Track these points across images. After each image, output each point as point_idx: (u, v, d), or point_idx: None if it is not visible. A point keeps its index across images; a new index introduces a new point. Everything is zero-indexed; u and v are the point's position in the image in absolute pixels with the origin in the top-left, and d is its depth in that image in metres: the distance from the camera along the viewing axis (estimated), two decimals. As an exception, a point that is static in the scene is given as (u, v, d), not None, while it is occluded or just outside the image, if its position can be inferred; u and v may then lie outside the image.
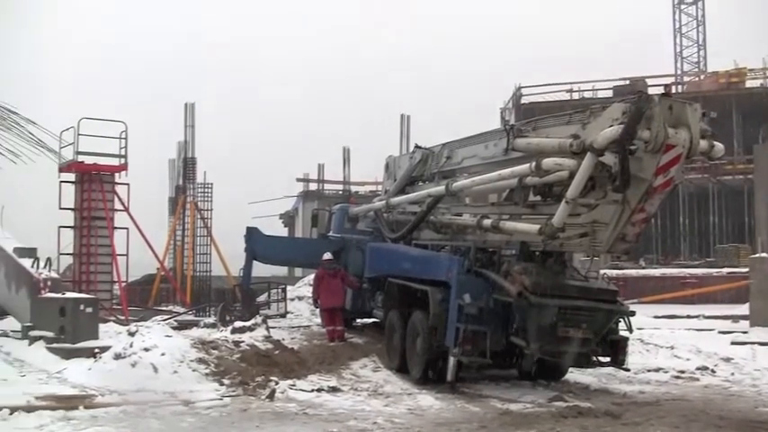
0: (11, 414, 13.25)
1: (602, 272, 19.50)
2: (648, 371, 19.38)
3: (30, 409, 13.59)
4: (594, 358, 16.18)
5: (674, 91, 49.39)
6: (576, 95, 52.02)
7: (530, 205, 15.83)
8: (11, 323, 22.25)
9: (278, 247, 28.52)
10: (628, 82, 50.36)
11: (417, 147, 21.28)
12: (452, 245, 18.72)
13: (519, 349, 16.33)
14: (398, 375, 17.98)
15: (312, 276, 25.98)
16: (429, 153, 20.41)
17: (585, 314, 15.54)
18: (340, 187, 54.68)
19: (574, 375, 18.36)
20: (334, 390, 16.33)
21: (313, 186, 57.18)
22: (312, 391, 16.08)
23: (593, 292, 16.00)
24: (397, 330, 18.67)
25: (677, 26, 65.73)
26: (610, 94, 48.78)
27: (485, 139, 17.54)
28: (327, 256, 22.91)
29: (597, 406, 15.07)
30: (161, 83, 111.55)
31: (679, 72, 63.63)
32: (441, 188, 18.37)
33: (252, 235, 26.63)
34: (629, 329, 16.50)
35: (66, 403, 14.08)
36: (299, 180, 57.67)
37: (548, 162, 14.11)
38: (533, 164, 14.32)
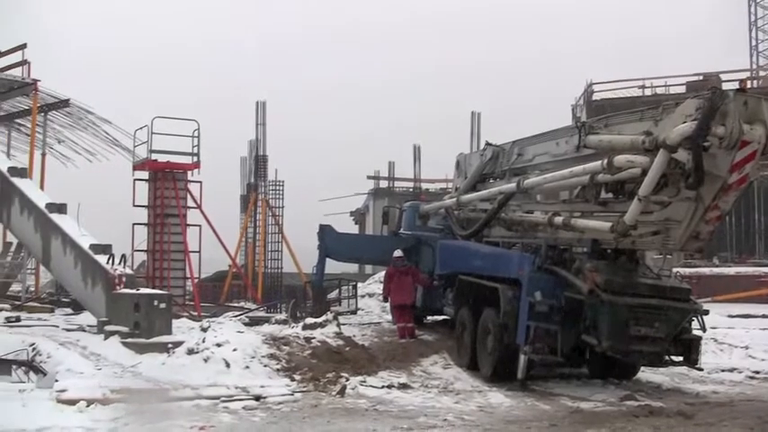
0: (88, 406, 13.49)
1: (674, 270, 19.27)
2: (722, 371, 19.12)
3: (106, 402, 13.81)
4: (667, 357, 15.97)
5: (749, 86, 48.51)
6: (648, 91, 51.29)
7: (601, 202, 15.73)
8: (87, 318, 22.63)
9: (350, 245, 28.64)
10: (701, 77, 49.54)
11: (488, 144, 21.22)
12: (523, 242, 18.65)
13: (590, 347, 16.21)
14: (469, 373, 17.95)
15: (383, 273, 26.01)
16: (500, 150, 20.36)
17: (658, 313, 15.37)
18: (410, 185, 54.60)
19: (645, 374, 18.17)
20: (404, 386, 16.36)
21: (383, 184, 57.21)
22: (382, 387, 16.13)
23: (666, 290, 15.82)
24: (468, 328, 18.65)
25: (752, 19, 64.53)
26: (682, 89, 48.02)
27: (556, 136, 17.45)
28: (398, 253, 22.94)
29: (669, 406, 14.89)
30: (233, 81, 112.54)
31: (754, 66, 62.48)
32: (512, 185, 18.31)
33: (325, 232, 26.76)
34: (703, 328, 16.30)
35: (141, 397, 14.27)
36: (369, 177, 57.80)
37: (620, 159, 14.00)
38: (605, 161, 14.22)
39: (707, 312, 16.34)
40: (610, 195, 15.51)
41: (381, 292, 25.20)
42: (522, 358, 16.00)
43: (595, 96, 52.27)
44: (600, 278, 15.30)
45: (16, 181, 24.31)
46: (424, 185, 53.60)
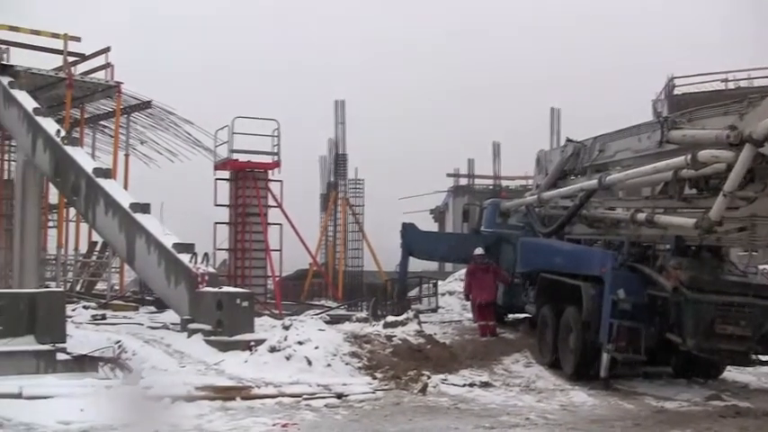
0: (172, 403, 13.67)
1: (761, 267, 18.93)
2: (811, 370, 18.72)
3: (190, 398, 13.98)
4: (754, 356, 15.71)
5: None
6: (731, 85, 50.41)
7: (685, 199, 15.48)
8: (171, 316, 22.93)
9: (432, 243, 28.69)
10: (787, 69, 48.50)
11: (569, 140, 21.03)
12: (605, 239, 18.46)
13: (674, 346, 15.98)
14: (551, 371, 17.83)
15: (463, 271, 25.96)
16: (581, 146, 20.17)
17: (744, 311, 15.09)
18: (490, 182, 54.45)
19: (731, 374, 17.86)
20: (486, 385, 16.29)
21: (463, 181, 57.10)
22: (464, 385, 16.08)
23: (753, 287, 15.54)
24: (550, 326, 18.53)
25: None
26: (767, 82, 47.10)
27: (638, 131, 17.22)
28: (479, 250, 22.88)
29: (757, 406, 14.64)
30: (312, 80, 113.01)
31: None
32: (593, 182, 18.12)
33: (407, 231, 26.83)
34: (791, 327, 15.97)
35: (224, 394, 14.41)
36: (449, 175, 57.70)
37: (704, 154, 13.76)
38: (689, 156, 13.99)
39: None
40: (694, 191, 15.26)
41: (462, 289, 25.17)
42: (605, 357, 15.87)
43: (677, 91, 51.49)
44: (684, 276, 15.09)
45: (101, 182, 24.70)
46: (504, 183, 53.38)
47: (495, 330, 22.14)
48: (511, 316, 25.14)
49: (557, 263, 19.34)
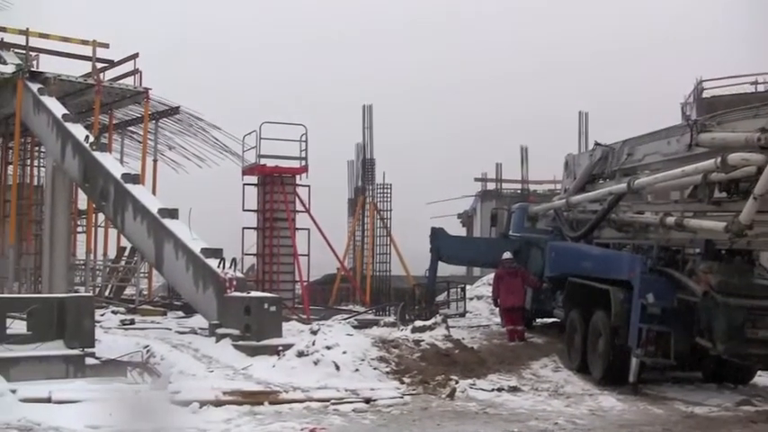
0: (200, 408, 13.72)
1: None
2: None
3: (218, 403, 14.02)
4: (786, 361, 15.60)
5: None
6: (761, 87, 50.07)
7: (715, 202, 15.35)
8: (199, 321, 22.99)
9: (462, 247, 28.66)
10: (818, 72, 48.12)
11: (597, 144, 20.95)
12: (634, 243, 18.40)
13: (704, 351, 15.86)
14: (579, 376, 17.76)
15: (491, 276, 25.91)
16: (609, 150, 20.08)
17: (776, 315, 14.97)
18: (518, 186, 54.24)
19: (762, 379, 17.73)
20: (514, 389, 16.27)
21: (491, 186, 56.96)
22: (492, 390, 16.07)
23: (784, 291, 15.40)
24: (578, 330, 18.46)
25: None
26: (798, 85, 46.74)
27: (667, 134, 17.14)
28: (507, 255, 22.83)
29: (789, 411, 14.53)
30: (339, 85, 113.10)
31: None
32: (622, 186, 18.04)
33: (437, 235, 26.81)
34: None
35: (252, 398, 14.45)
36: (476, 180, 57.56)
37: (734, 157, 13.67)
38: (719, 159, 13.89)
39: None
40: (723, 194, 15.14)
41: (491, 294, 25.13)
42: (634, 361, 15.81)
43: (706, 93, 51.18)
44: (714, 279, 14.98)
45: (129, 187, 24.82)
46: (532, 187, 53.20)
47: (524, 335, 22.08)
48: (539, 320, 25.05)
49: (585, 267, 19.28)
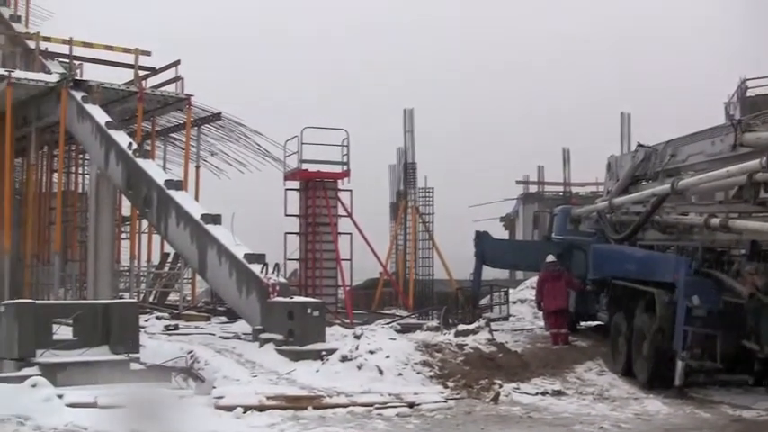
0: (244, 412, 13.80)
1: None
2: None
3: (262, 408, 14.09)
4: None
5: None
6: (806, 85, 49.44)
7: (761, 202, 15.22)
8: (242, 326, 23.07)
9: (506, 251, 28.65)
10: None
11: (640, 145, 20.83)
12: (678, 245, 18.23)
13: (751, 353, 15.69)
14: (624, 379, 17.66)
15: (535, 279, 25.81)
16: (652, 151, 19.96)
17: (825, 317, 14.78)
18: (560, 188, 54.00)
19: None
20: (558, 393, 16.21)
21: (533, 188, 56.74)
22: (536, 394, 16.01)
23: (832, 292, 15.20)
24: (623, 333, 18.35)
25: None
26: None
27: (711, 135, 17.00)
28: (550, 258, 22.74)
29: (839, 414, 14.33)
30: (380, 89, 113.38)
31: None
32: (665, 187, 17.90)
33: (481, 239, 26.76)
34: None
35: (296, 403, 14.50)
36: (518, 182, 57.34)
37: (780, 157, 13.53)
38: (764, 159, 13.75)
39: None
40: (769, 195, 15.01)
41: (534, 297, 25.04)
42: (680, 364, 15.67)
43: (749, 93, 50.64)
44: (760, 281, 14.83)
45: (172, 193, 24.96)
46: (574, 189, 52.93)
47: (568, 338, 21.97)
48: (583, 323, 24.92)
49: (629, 269, 19.16)
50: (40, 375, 14.36)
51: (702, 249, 16.57)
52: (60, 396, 13.48)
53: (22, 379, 14.14)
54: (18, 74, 30.05)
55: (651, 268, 17.99)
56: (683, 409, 14.94)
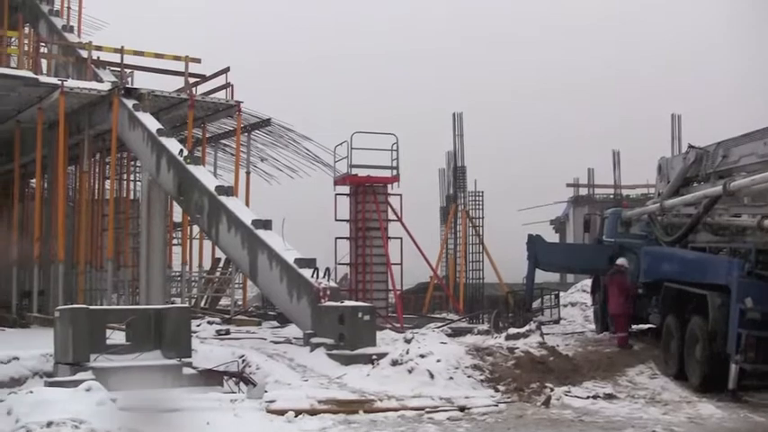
0: (296, 416, 13.86)
1: None
2: None
3: (313, 412, 14.14)
4: None
5: None
6: None
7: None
8: (293, 330, 23.18)
9: (559, 254, 28.57)
10: None
11: (691, 147, 20.69)
12: (731, 247, 18.04)
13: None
14: (676, 382, 17.50)
15: (586, 282, 25.71)
16: (703, 153, 19.81)
17: None
18: (610, 191, 53.63)
19: None
20: (610, 397, 16.12)
21: (583, 191, 56.40)
22: (588, 397, 15.94)
23: None
24: (675, 336, 18.20)
25: None
26: None
27: (762, 135, 16.86)
28: (621, 261, 22.60)
29: None
30: (428, 94, 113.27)
31: None
32: (717, 188, 17.74)
33: (534, 243, 26.71)
34: None
35: (347, 407, 14.52)
36: (568, 185, 57.02)
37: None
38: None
39: None
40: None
41: (591, 301, 24.96)
42: (734, 368, 15.51)
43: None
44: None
45: (223, 200, 25.14)
46: (625, 191, 52.56)
47: (626, 342, 21.77)
48: (634, 326, 24.74)
49: (681, 272, 19.02)
50: (94, 380, 14.54)
51: (756, 251, 16.37)
52: (114, 400, 13.61)
53: (76, 383, 14.31)
54: (71, 83, 30.46)
55: (703, 270, 17.83)
56: (737, 413, 14.78)
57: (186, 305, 26.77)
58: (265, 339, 23.36)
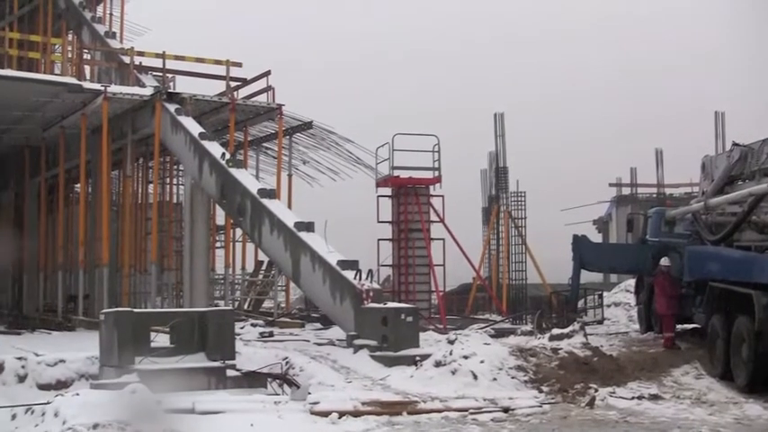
0: (340, 418, 13.89)
1: None
2: None
3: (357, 413, 14.16)
4: None
5: None
6: None
7: None
8: (336, 332, 23.23)
9: (604, 254, 28.46)
10: None
11: (735, 144, 20.49)
12: (777, 246, 17.90)
13: None
14: (722, 383, 17.35)
15: (629, 282, 25.55)
16: (748, 150, 19.62)
17: None
18: (653, 190, 53.34)
19: None
20: (655, 397, 16.01)
21: (626, 191, 56.13)
22: (632, 398, 15.85)
23: None
24: (720, 336, 18.03)
25: None
26: None
27: (809, 132, 16.66)
28: (665, 261, 22.45)
29: None
30: (470, 95, 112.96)
31: None
32: (763, 186, 17.60)
33: (579, 243, 26.62)
34: None
35: (391, 409, 14.53)
36: (611, 185, 56.76)
37: None
38: None
39: None
40: None
41: (633, 300, 24.81)
42: (781, 368, 15.36)
43: None
44: None
45: (266, 202, 25.25)
46: (668, 190, 52.24)
47: (672, 342, 21.61)
48: (679, 326, 24.57)
49: (726, 271, 18.85)
50: (139, 382, 14.65)
51: (802, 250, 16.26)
52: (158, 402, 13.72)
53: (121, 385, 14.44)
54: (114, 88, 30.68)
55: (749, 270, 17.66)
56: (785, 413, 14.66)
57: (230, 308, 26.90)
58: (308, 341, 23.43)
